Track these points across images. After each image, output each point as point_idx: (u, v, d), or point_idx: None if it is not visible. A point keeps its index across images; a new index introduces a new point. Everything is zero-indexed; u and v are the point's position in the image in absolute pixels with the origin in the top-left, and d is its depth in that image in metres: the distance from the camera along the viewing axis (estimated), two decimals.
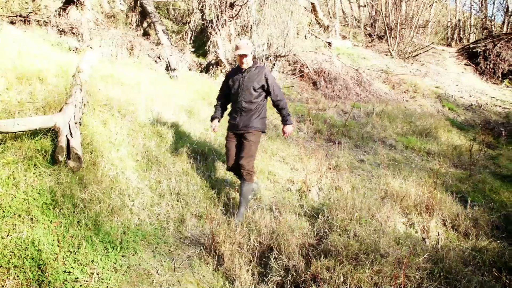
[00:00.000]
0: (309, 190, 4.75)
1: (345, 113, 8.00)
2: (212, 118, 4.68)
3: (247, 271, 3.51)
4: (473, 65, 16.06)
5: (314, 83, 10.20)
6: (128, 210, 4.01)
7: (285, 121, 4.48)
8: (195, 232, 4.16)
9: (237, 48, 4.33)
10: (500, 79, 14.82)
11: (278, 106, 4.48)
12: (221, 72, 9.54)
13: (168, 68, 8.49)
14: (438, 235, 4.19)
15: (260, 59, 9.91)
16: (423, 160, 6.49)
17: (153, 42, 9.64)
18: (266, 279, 3.42)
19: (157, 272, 3.48)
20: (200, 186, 4.70)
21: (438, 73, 14.30)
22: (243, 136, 4.40)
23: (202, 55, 10.31)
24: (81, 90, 5.02)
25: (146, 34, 10.64)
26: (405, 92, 11.11)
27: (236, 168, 4.50)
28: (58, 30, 8.59)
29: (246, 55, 4.29)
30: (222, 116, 4.71)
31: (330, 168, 5.33)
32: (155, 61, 8.52)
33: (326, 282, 3.14)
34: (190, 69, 9.52)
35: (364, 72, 11.36)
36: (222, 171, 5.21)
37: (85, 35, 8.40)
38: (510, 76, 14.61)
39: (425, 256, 3.43)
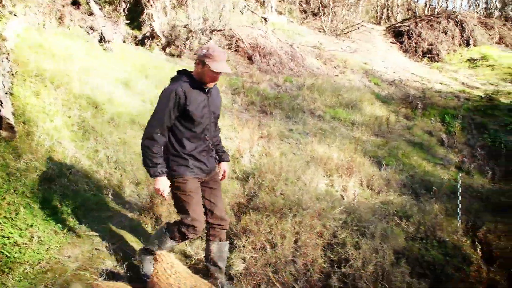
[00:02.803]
0: (242, 157, 5.11)
1: (278, 86, 8.43)
2: (159, 173, 2.82)
3: None
4: (399, 43, 17.19)
5: (250, 58, 10.49)
6: (66, 178, 4.11)
7: (227, 155, 3.29)
8: (133, 198, 4.37)
9: (218, 58, 2.79)
10: (421, 57, 16.04)
11: (218, 134, 3.24)
12: (157, 45, 9.53)
13: (101, 40, 8.34)
14: (354, 193, 4.76)
15: (196, 33, 10.00)
16: (348, 130, 7.11)
17: (84, 12, 9.33)
18: (201, 236, 3.76)
19: (98, 233, 3.68)
20: (138, 155, 4.87)
21: (367, 50, 15.17)
22: (212, 179, 3.11)
23: (137, 27, 10.15)
24: (8, 60, 4.92)
25: (75, 4, 10.22)
26: (335, 67, 11.77)
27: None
28: None
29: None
30: None
31: (262, 137, 5.72)
32: (88, 32, 8.31)
33: (254, 233, 3.55)
34: (125, 42, 9.38)
35: (298, 48, 11.84)
36: None
37: (5, 0, 7.97)
38: (429, 55, 15.86)
39: (340, 208, 3.95)
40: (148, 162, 2.85)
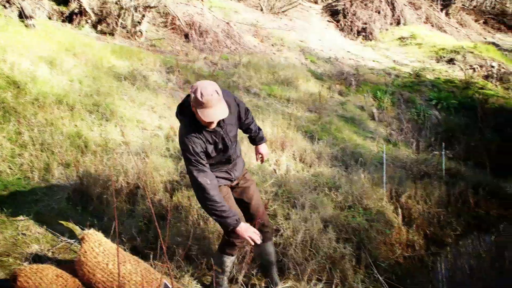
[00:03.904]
0: (176, 135, 5.08)
1: (214, 64, 8.38)
2: (237, 221, 2.67)
3: (115, 208, 3.76)
4: (335, 22, 17.60)
5: (186, 36, 10.30)
6: None
7: (261, 138, 3.24)
8: (62, 180, 4.22)
9: (208, 103, 2.43)
10: (356, 35, 16.57)
11: (253, 123, 3.16)
12: (87, 22, 9.06)
13: (22, 16, 7.77)
14: (287, 166, 4.92)
15: (128, 10, 9.60)
16: (283, 106, 7.25)
17: None
18: (133, 213, 3.74)
19: (23, 217, 3.53)
20: (66, 136, 4.68)
21: (304, 28, 15.40)
22: (242, 179, 3.08)
23: (64, 3, 9.55)
24: None
25: None
26: (272, 45, 11.87)
27: None
28: None
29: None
30: None
31: None
32: (4, 6, 7.70)
33: (186, 209, 3.59)
34: (50, 18, 8.81)
35: (235, 26, 11.77)
36: (89, 121, 5.18)
37: None
38: (363, 33, 16.43)
39: (271, 181, 4.07)
40: (222, 219, 2.65)
